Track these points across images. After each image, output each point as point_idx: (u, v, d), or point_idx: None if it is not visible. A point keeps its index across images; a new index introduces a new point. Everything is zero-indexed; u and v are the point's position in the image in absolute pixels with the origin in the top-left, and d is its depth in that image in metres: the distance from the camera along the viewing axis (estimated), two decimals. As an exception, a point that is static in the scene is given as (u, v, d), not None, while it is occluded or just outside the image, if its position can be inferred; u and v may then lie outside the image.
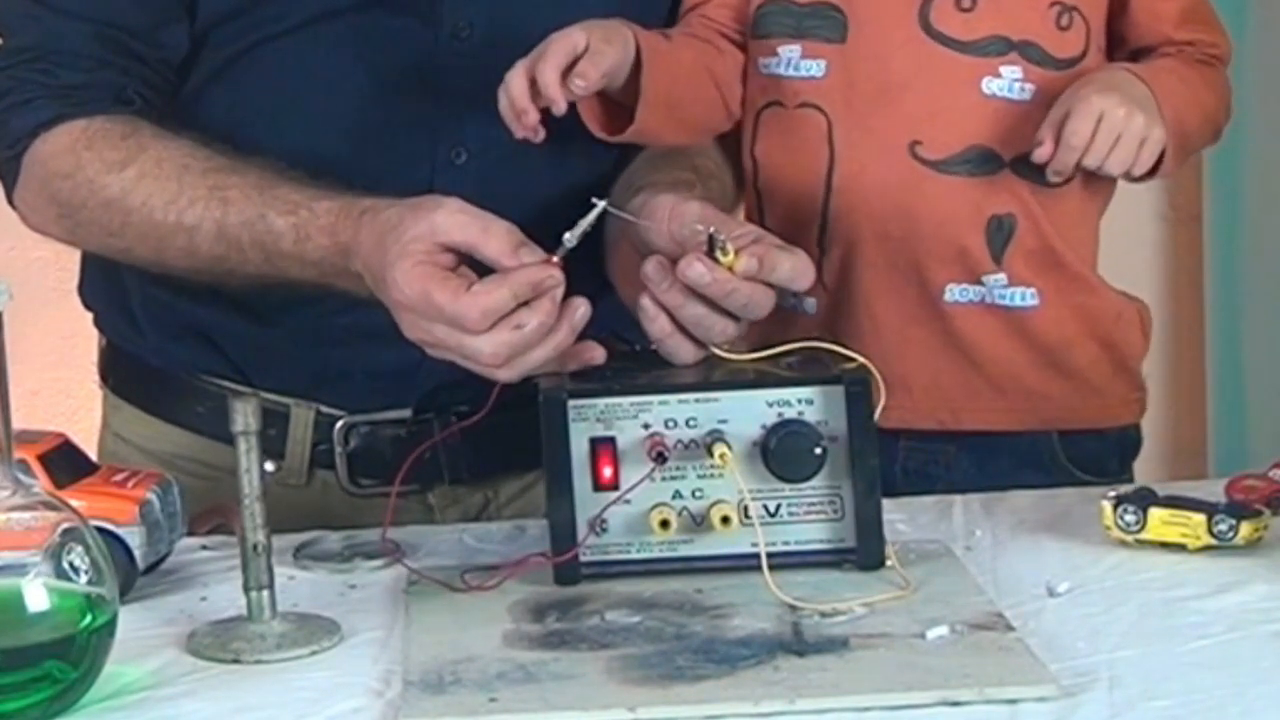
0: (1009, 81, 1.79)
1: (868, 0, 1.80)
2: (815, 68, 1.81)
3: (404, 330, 1.56)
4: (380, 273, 1.55)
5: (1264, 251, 2.99)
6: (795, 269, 1.59)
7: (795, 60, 1.82)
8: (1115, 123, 1.72)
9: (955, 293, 1.80)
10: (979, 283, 1.80)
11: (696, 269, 1.55)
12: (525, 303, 1.50)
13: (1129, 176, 1.76)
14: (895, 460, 1.82)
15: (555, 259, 1.53)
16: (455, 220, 1.54)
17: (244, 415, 1.42)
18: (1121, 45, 1.85)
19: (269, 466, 1.45)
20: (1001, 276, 1.80)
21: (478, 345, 1.51)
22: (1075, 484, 1.81)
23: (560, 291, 1.51)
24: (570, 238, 1.54)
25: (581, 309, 1.52)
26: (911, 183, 1.79)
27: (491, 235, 1.53)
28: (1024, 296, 1.81)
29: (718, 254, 1.56)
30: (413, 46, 1.76)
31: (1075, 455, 1.85)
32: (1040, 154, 1.74)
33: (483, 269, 1.54)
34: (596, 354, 1.57)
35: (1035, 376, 1.82)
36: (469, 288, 1.51)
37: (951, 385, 1.82)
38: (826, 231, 1.81)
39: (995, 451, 1.83)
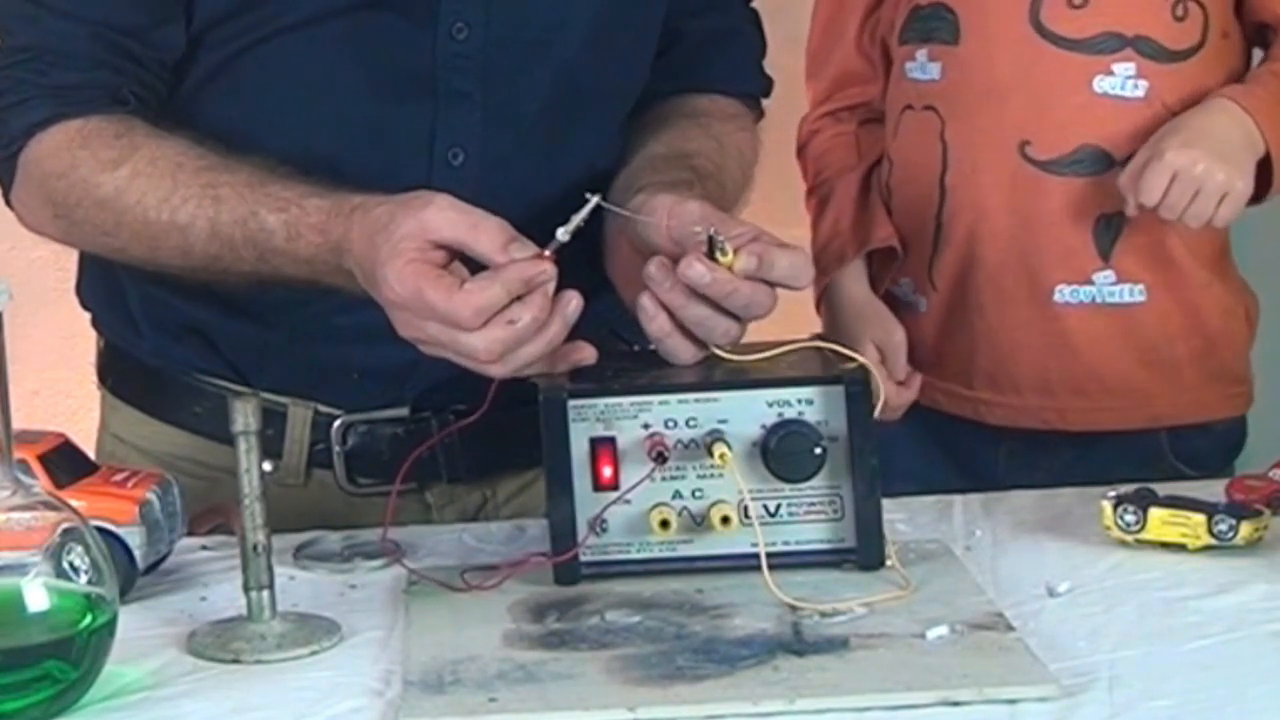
0: (1121, 79, 1.78)
1: (980, 1, 1.80)
2: (934, 70, 1.82)
3: (397, 328, 1.55)
4: (372, 271, 1.55)
5: (1264, 251, 2.99)
6: (793, 266, 1.59)
7: (925, 63, 1.84)
8: (1190, 181, 1.71)
9: (1065, 294, 1.80)
10: (1089, 282, 1.80)
11: (696, 269, 1.55)
12: (518, 298, 1.51)
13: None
14: (998, 445, 1.82)
15: (547, 253, 1.53)
16: (445, 217, 1.54)
17: (244, 415, 1.42)
18: (1249, 25, 1.82)
19: (266, 466, 1.45)
20: (1110, 273, 1.79)
21: (471, 342, 1.51)
22: (1180, 479, 1.80)
23: (552, 286, 1.51)
24: (563, 232, 1.54)
25: (574, 302, 1.52)
26: (1021, 183, 1.79)
27: (482, 231, 1.53)
28: (1131, 293, 1.81)
29: (717, 254, 1.55)
30: (410, 47, 1.75)
31: (1181, 451, 1.85)
32: (1128, 210, 1.75)
33: (476, 265, 1.54)
34: (587, 354, 1.57)
35: (1141, 375, 1.82)
36: (461, 285, 1.51)
37: (1061, 386, 1.82)
38: (941, 231, 1.82)
39: (1100, 446, 1.83)
